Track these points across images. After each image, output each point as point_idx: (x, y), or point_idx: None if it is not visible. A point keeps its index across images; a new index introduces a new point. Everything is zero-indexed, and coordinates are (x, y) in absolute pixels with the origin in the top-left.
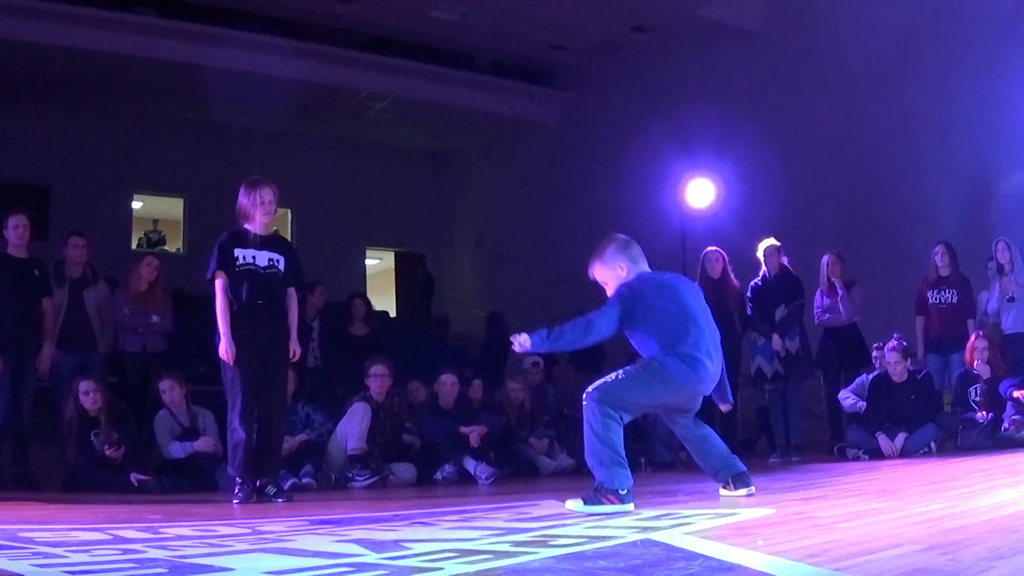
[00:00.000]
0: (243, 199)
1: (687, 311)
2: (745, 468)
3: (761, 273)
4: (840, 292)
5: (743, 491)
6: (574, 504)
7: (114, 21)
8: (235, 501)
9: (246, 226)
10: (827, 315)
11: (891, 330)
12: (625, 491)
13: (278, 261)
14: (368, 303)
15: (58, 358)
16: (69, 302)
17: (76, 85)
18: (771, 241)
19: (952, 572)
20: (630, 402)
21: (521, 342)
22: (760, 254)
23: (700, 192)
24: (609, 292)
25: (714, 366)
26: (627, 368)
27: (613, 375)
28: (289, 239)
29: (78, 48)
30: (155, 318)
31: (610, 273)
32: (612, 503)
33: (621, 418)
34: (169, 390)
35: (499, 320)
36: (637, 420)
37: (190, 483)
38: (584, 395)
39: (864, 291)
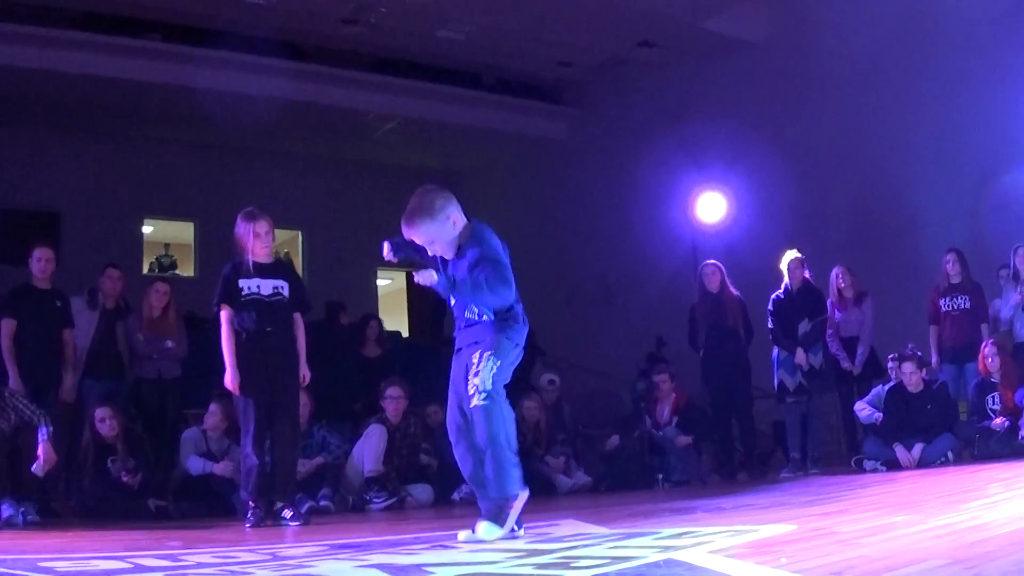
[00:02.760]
0: (239, 231)
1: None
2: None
3: (783, 286)
4: (856, 312)
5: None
6: (488, 532)
7: (121, 47)
8: (247, 525)
9: (247, 256)
10: (839, 329)
11: (905, 340)
12: (515, 487)
13: (282, 288)
14: (381, 324)
15: (87, 385)
16: (101, 330)
17: (86, 111)
18: (794, 253)
19: None
20: (504, 382)
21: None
22: (783, 266)
23: (711, 206)
24: (441, 249)
25: None
26: (486, 352)
27: (482, 369)
28: (300, 261)
29: (87, 75)
30: (169, 343)
31: (441, 229)
32: (513, 506)
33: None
34: (210, 415)
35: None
36: (654, 437)
37: (207, 508)
38: (476, 407)
39: (876, 302)
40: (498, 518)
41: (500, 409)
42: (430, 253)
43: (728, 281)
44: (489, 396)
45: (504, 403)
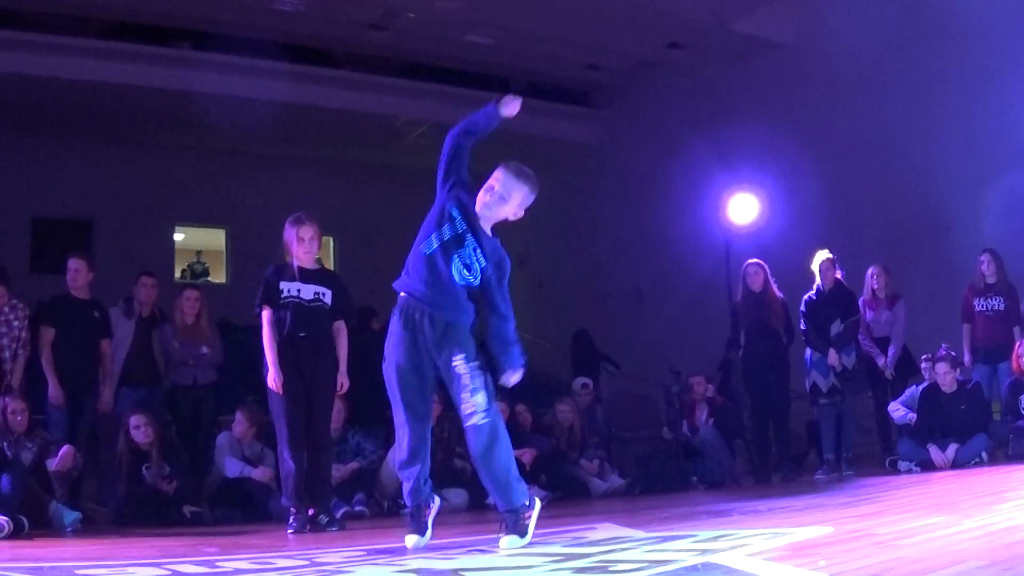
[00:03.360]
0: (286, 235)
1: None
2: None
3: (815, 287)
4: (886, 313)
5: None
6: (512, 541)
7: (152, 56)
8: (289, 531)
9: (291, 260)
10: (872, 329)
11: (938, 340)
12: (528, 498)
13: (324, 294)
14: None
15: (123, 393)
16: (136, 338)
17: (116, 120)
18: (826, 254)
19: None
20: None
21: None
22: (815, 267)
23: (743, 208)
24: (496, 210)
25: None
26: (473, 363)
27: (476, 388)
28: (332, 267)
29: (118, 84)
30: (205, 349)
31: (513, 202)
32: (530, 516)
33: None
34: (236, 424)
35: (584, 336)
36: (690, 439)
37: (242, 514)
38: (479, 425)
39: (909, 302)
40: (517, 528)
41: (502, 424)
42: (486, 198)
43: (772, 281)
44: (489, 413)
45: (500, 418)
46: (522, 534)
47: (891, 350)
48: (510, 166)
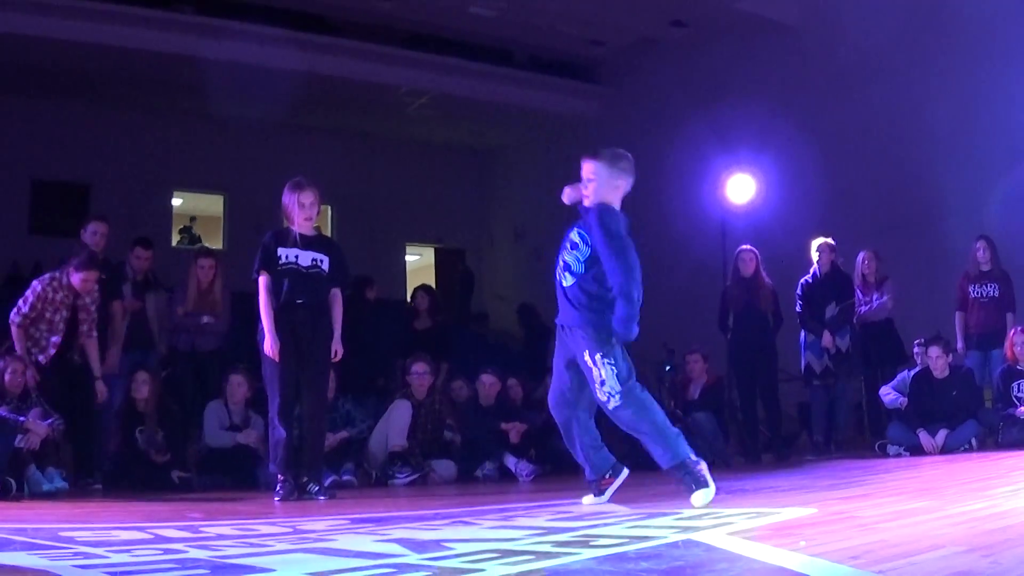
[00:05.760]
0: (285, 200)
1: None
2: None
3: (812, 271)
4: (876, 295)
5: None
6: (702, 498)
7: (152, 19)
8: (276, 498)
9: (290, 226)
10: (863, 308)
11: (931, 326)
12: (686, 449)
13: (322, 261)
14: (431, 295)
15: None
16: (129, 303)
17: (116, 83)
18: (825, 239)
19: (994, 575)
20: (630, 367)
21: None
22: (813, 251)
23: (740, 188)
24: (590, 193)
25: None
26: (596, 355)
27: (606, 378)
28: (331, 235)
29: (118, 47)
30: (205, 319)
31: (607, 181)
32: (699, 467)
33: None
34: (237, 386)
35: (530, 311)
36: (679, 418)
37: (231, 480)
38: (617, 409)
39: (901, 287)
40: (697, 482)
41: (639, 399)
42: (582, 190)
43: (762, 267)
44: (623, 394)
45: (638, 390)
46: (704, 484)
47: (876, 302)
48: None
